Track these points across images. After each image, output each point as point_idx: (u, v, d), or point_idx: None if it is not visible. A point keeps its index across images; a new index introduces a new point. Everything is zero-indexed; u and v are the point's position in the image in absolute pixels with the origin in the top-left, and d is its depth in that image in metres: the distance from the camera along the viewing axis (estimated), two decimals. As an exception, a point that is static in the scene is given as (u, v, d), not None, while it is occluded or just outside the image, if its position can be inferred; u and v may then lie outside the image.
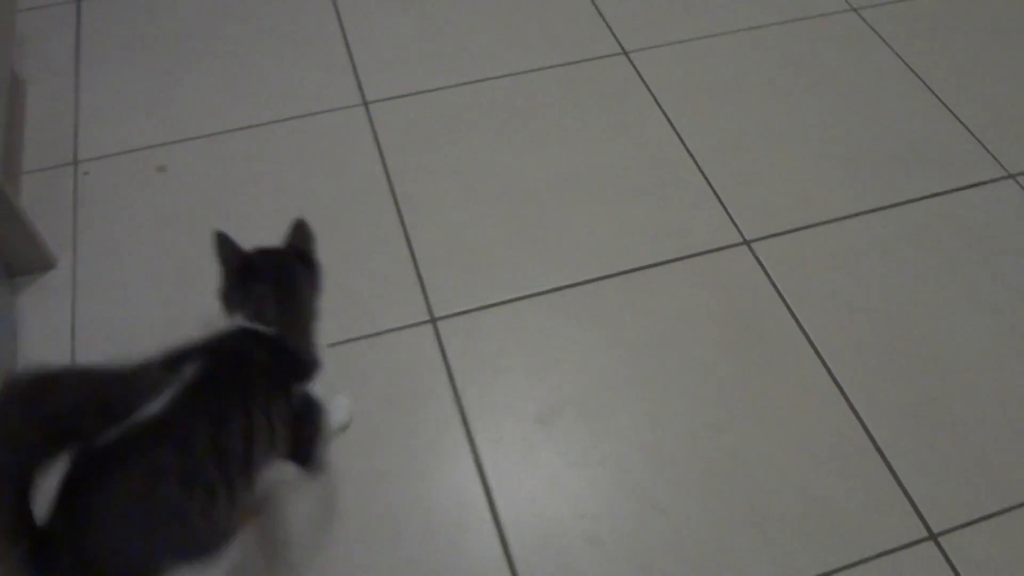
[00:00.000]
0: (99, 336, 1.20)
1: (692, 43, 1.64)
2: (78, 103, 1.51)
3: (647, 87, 1.56)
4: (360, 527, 1.04)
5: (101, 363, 0.76)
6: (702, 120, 1.51)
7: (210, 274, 0.97)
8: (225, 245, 0.95)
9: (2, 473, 0.70)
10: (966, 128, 1.52)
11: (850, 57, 1.63)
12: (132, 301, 1.24)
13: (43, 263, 1.27)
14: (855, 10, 1.72)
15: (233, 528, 0.85)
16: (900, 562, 1.03)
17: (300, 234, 1.01)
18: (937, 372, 1.20)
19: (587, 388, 1.17)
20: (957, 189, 1.43)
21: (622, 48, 1.63)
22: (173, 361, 0.84)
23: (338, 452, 1.10)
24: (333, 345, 1.20)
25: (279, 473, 1.07)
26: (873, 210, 1.39)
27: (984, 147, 1.49)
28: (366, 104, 1.52)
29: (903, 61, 1.63)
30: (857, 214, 1.39)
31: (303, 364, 0.96)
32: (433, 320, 1.23)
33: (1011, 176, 1.45)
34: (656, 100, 1.54)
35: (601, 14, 1.69)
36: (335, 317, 1.22)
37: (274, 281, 0.95)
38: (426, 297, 1.26)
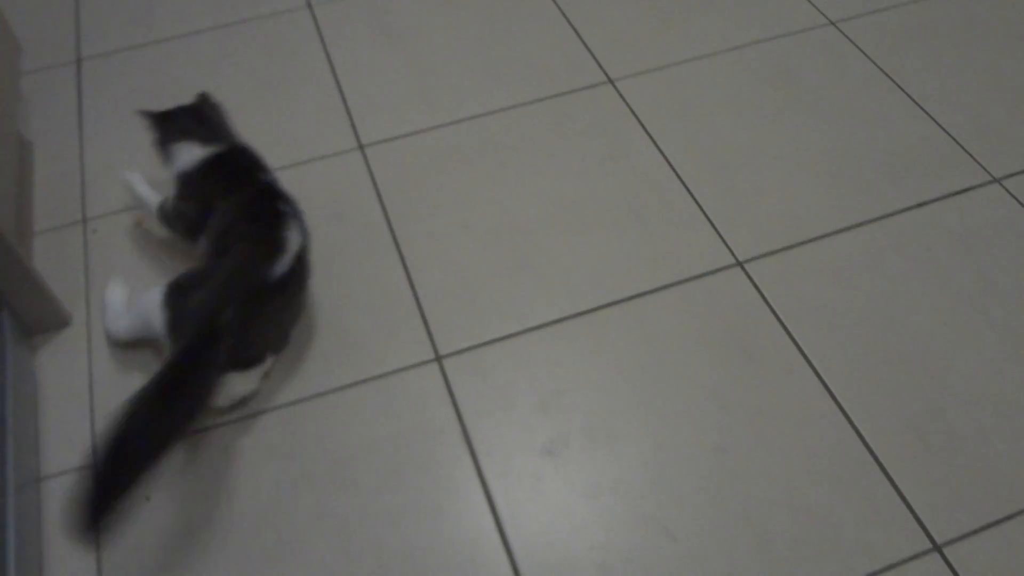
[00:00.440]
0: (116, 389, 1.24)
1: (676, 67, 1.68)
2: (83, 161, 1.55)
3: (634, 114, 1.60)
4: (378, 566, 1.07)
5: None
6: (689, 143, 1.55)
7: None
8: (147, 114, 1.33)
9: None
10: (949, 135, 1.55)
11: (832, 71, 1.66)
12: (145, 352, 1.28)
13: (58, 321, 1.31)
14: (834, 24, 1.75)
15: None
16: (906, 574, 1.06)
17: (201, 96, 1.38)
18: (934, 383, 1.23)
19: (592, 417, 1.21)
20: (945, 196, 1.46)
21: (608, 76, 1.66)
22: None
23: (352, 492, 1.13)
24: (341, 389, 1.23)
25: (293, 517, 1.11)
26: (863, 223, 1.42)
27: (968, 153, 1.52)
28: (362, 148, 1.56)
29: (883, 72, 1.66)
30: (848, 228, 1.42)
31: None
32: (438, 358, 1.27)
33: (996, 180, 1.48)
34: (643, 126, 1.57)
35: (586, 44, 1.73)
36: (341, 360, 1.26)
37: (195, 112, 1.33)
38: (431, 336, 1.29)
